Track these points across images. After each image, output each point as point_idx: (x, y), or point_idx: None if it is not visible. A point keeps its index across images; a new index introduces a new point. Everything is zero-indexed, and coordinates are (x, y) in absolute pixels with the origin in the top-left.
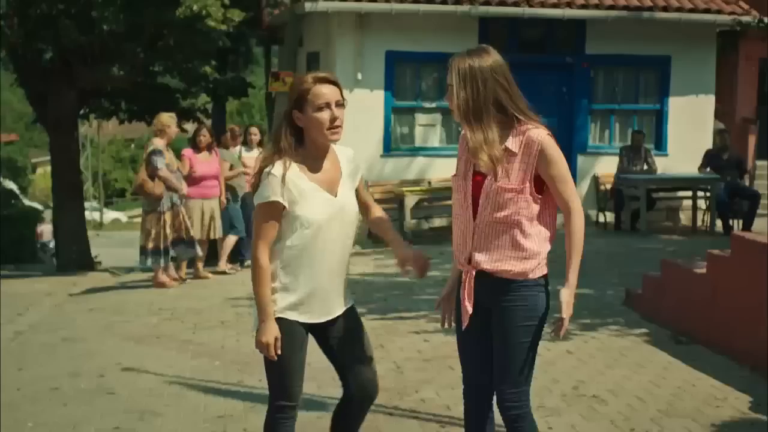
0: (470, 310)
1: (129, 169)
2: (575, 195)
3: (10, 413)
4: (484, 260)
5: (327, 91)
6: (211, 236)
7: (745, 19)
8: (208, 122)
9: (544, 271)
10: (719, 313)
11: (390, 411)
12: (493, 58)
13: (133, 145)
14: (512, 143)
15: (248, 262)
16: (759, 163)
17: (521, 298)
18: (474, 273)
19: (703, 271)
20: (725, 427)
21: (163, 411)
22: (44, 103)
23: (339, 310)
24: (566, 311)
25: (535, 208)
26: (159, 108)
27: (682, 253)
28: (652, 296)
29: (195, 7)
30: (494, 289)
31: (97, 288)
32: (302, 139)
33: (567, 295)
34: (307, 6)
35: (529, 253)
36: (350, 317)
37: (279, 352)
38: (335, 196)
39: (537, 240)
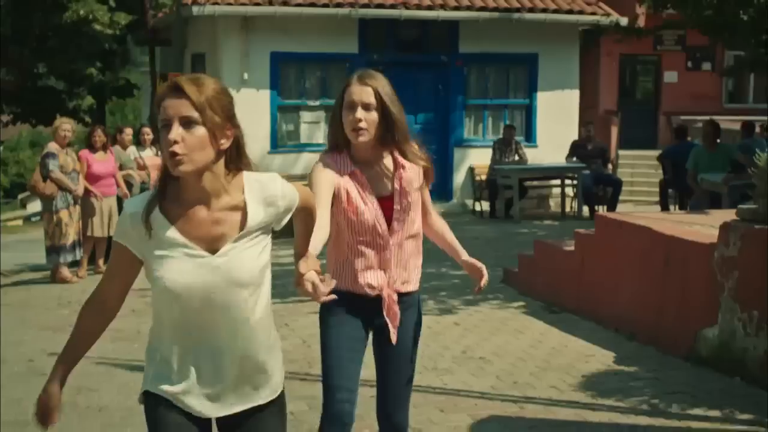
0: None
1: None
2: None
3: None
4: (403, 279)
5: (167, 107)
6: (111, 233)
7: (603, 21)
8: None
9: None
10: (586, 285)
11: (303, 377)
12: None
13: (1, 147)
14: (401, 158)
15: None
16: (621, 152)
17: (417, 312)
18: (396, 295)
19: (572, 248)
20: (593, 377)
21: (98, 387)
22: None
23: (239, 405)
24: (482, 265)
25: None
26: (45, 110)
27: (552, 236)
28: (527, 273)
29: (82, 12)
30: (402, 305)
31: None
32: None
33: (473, 260)
34: (195, 10)
35: (421, 261)
36: (263, 418)
37: (54, 422)
38: (214, 253)
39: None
